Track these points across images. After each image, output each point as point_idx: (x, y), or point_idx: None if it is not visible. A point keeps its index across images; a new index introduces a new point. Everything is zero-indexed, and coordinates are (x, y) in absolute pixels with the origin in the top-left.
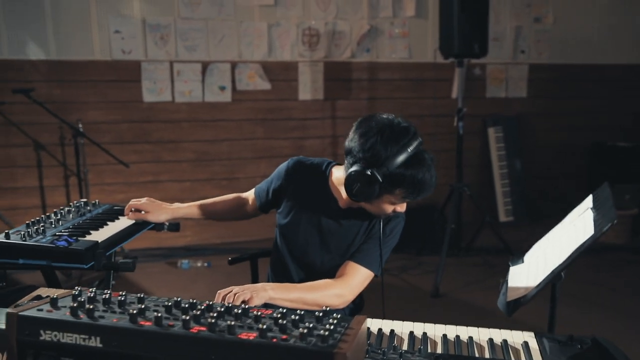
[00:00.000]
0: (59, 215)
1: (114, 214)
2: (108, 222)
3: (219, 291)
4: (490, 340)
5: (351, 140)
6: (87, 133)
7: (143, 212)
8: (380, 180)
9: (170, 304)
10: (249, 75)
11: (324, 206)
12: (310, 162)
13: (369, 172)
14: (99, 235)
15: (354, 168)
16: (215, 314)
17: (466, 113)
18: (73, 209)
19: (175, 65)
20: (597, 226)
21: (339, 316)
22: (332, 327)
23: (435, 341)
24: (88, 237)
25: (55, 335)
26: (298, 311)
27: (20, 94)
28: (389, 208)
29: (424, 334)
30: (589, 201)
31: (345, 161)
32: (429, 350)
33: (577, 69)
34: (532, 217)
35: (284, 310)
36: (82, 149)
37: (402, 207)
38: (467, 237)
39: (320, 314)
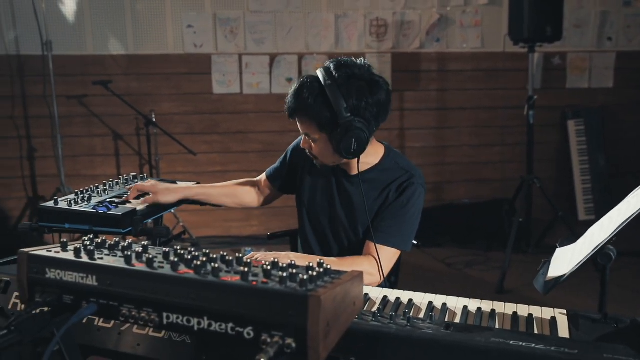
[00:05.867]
0: (107, 186)
1: None
2: (150, 193)
3: None
4: (514, 314)
5: None
6: (160, 124)
7: (151, 195)
8: None
9: (168, 250)
10: (316, 67)
11: (333, 177)
12: None
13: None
14: (138, 204)
15: None
16: (204, 259)
17: (542, 104)
18: (121, 181)
19: (243, 57)
20: None
21: (328, 267)
22: (316, 274)
23: (455, 312)
24: (128, 205)
25: (59, 274)
26: (291, 262)
27: (99, 85)
28: None
29: (444, 304)
30: None
31: None
32: (446, 320)
33: None
34: None
35: (277, 261)
36: (155, 139)
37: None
38: (539, 234)
39: (313, 265)
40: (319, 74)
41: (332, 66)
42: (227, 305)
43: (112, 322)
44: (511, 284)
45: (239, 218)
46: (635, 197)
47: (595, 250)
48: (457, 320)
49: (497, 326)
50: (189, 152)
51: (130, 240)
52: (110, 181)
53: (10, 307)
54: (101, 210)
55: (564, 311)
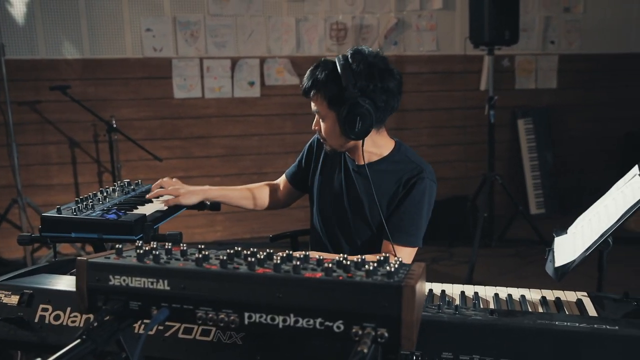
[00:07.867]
0: (105, 193)
1: None
2: (153, 200)
3: None
4: (543, 299)
5: None
6: (120, 130)
7: (174, 197)
8: None
9: (231, 251)
10: (277, 70)
11: (342, 171)
12: None
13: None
14: (146, 210)
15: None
16: (278, 258)
17: (496, 103)
18: (118, 188)
19: (205, 61)
20: None
21: (399, 261)
22: (394, 268)
23: (487, 300)
24: (135, 211)
25: (124, 280)
26: (358, 257)
27: (57, 90)
28: None
29: (476, 293)
30: (635, 170)
31: None
32: (481, 307)
33: (608, 59)
34: (564, 210)
35: (346, 256)
36: (115, 146)
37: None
38: (500, 229)
39: (381, 258)
40: (336, 58)
41: (349, 52)
42: (316, 301)
43: (155, 328)
44: (479, 276)
45: (202, 224)
46: (629, 186)
47: (603, 239)
48: (492, 306)
49: (529, 310)
50: (154, 158)
51: (184, 245)
52: (107, 188)
53: (36, 320)
54: (111, 217)
55: (585, 293)
